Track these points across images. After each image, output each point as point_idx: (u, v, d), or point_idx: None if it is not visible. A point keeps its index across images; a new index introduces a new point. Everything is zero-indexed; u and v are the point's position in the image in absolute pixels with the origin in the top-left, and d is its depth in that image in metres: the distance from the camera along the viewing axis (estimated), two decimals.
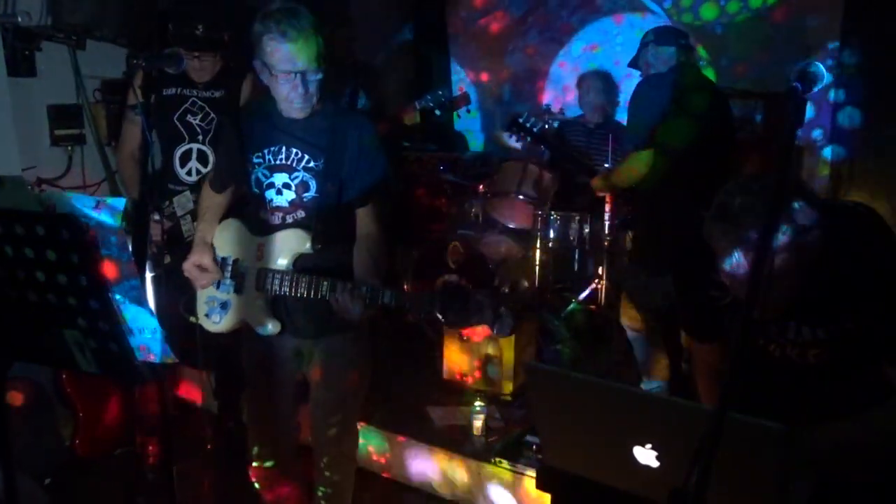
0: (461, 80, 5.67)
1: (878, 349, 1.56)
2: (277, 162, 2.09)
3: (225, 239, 2.23)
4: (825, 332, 1.60)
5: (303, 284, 2.04)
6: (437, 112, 3.67)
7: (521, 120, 3.70)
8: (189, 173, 2.79)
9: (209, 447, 2.81)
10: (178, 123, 2.74)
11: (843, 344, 1.59)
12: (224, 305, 2.21)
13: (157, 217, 2.65)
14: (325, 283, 2.00)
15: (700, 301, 1.73)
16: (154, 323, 1.35)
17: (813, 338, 1.61)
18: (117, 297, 1.31)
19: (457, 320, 1.91)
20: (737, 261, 1.45)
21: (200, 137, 2.78)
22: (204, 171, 2.82)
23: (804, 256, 1.45)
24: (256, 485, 2.41)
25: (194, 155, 2.79)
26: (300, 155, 2.07)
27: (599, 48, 5.38)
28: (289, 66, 1.93)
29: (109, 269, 1.30)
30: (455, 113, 4.02)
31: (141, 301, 1.34)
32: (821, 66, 1.25)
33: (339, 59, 4.18)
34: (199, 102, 2.76)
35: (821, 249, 1.47)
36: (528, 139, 3.78)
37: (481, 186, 4.21)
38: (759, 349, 1.71)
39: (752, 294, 1.11)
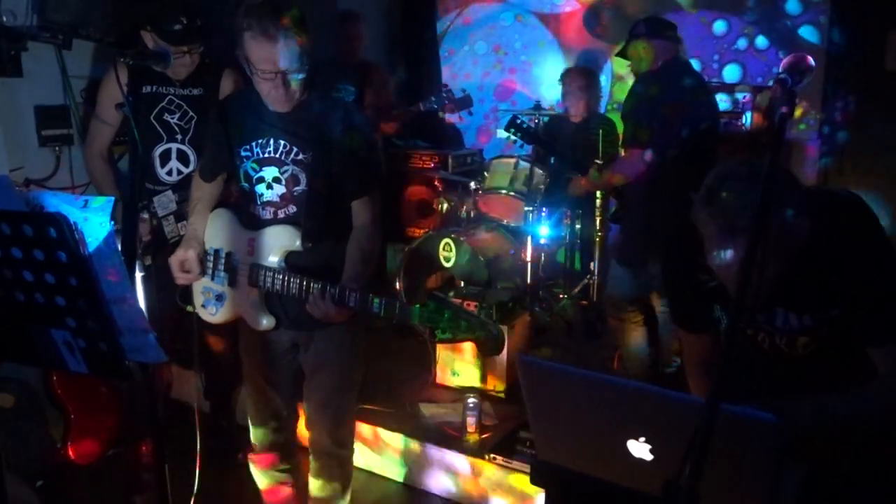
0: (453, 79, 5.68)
1: (863, 335, 1.57)
2: (266, 155, 2.07)
3: (216, 230, 2.22)
4: (812, 318, 1.60)
5: (293, 285, 2.03)
6: (441, 114, 3.69)
7: (518, 121, 3.77)
8: (170, 173, 2.76)
9: (201, 446, 2.80)
10: (154, 122, 2.69)
11: (829, 331, 1.60)
12: (219, 298, 2.21)
13: (144, 216, 2.62)
14: (315, 285, 1.99)
15: (689, 290, 1.74)
16: (144, 322, 1.34)
17: (800, 325, 1.62)
18: (108, 296, 1.30)
19: (444, 337, 1.89)
20: (724, 245, 1.45)
21: (179, 137, 2.74)
22: (186, 171, 2.78)
23: (791, 243, 1.46)
24: (255, 476, 2.42)
25: (174, 154, 2.75)
26: (288, 147, 2.05)
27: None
28: (269, 65, 1.89)
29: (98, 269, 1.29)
30: (458, 115, 4.03)
31: (131, 300, 1.33)
32: (810, 59, 1.25)
33: (345, 50, 4.21)
34: (177, 101, 2.72)
35: (807, 236, 1.48)
36: (525, 138, 3.83)
37: (472, 183, 4.21)
38: (748, 340, 1.71)
39: (742, 283, 1.12)
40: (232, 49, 1.96)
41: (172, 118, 2.72)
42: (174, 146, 2.74)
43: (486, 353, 1.90)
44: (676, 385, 2.58)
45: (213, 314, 2.23)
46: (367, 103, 4.16)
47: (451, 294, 3.53)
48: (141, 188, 2.70)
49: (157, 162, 2.74)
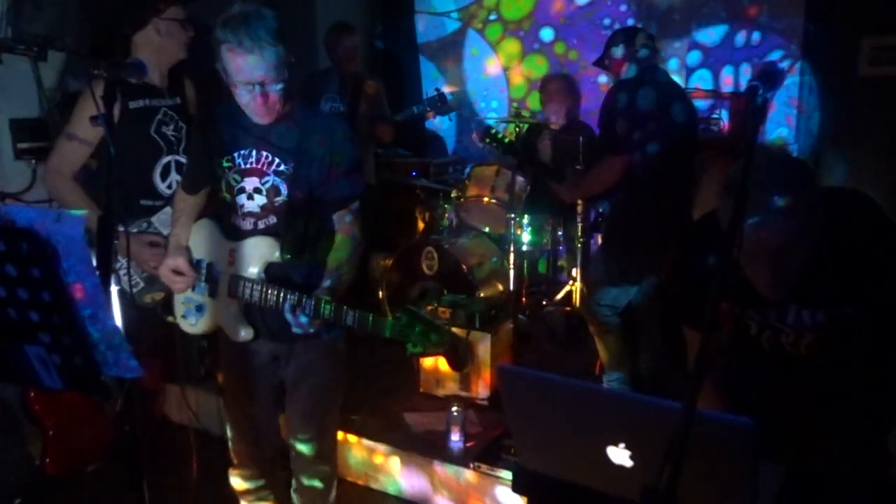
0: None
1: (873, 338, 1.58)
2: (248, 166, 2.06)
3: (199, 241, 2.21)
4: (826, 316, 1.61)
5: (271, 296, 2.02)
6: (436, 117, 3.71)
7: (492, 131, 3.77)
8: (170, 186, 2.73)
9: (188, 460, 2.77)
10: (156, 136, 2.66)
11: (840, 330, 1.60)
12: (199, 308, 2.20)
13: (147, 238, 2.55)
14: (291, 297, 1.99)
15: (701, 287, 1.73)
16: (120, 337, 1.32)
17: (813, 322, 1.62)
18: (83, 311, 1.29)
19: (415, 351, 1.92)
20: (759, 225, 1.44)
21: (176, 148, 2.73)
22: None
23: (808, 236, 1.46)
24: (236, 491, 2.39)
25: (174, 167, 2.72)
26: (270, 158, 2.05)
27: None
28: (246, 77, 1.90)
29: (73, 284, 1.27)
30: (448, 117, 4.07)
31: (106, 315, 1.31)
32: (782, 66, 1.27)
33: (339, 61, 4.21)
34: (170, 112, 2.70)
35: (823, 233, 1.48)
36: (500, 148, 3.83)
37: (454, 191, 4.22)
38: (749, 339, 1.71)
39: (722, 279, 1.13)
40: (194, 59, 1.94)
41: (169, 130, 2.70)
42: (173, 158, 2.71)
43: (455, 367, 1.92)
44: (655, 391, 2.58)
45: (194, 324, 2.23)
46: (362, 113, 4.16)
47: (435, 304, 3.52)
48: (132, 206, 2.62)
49: (159, 176, 2.71)
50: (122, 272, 2.54)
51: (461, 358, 1.91)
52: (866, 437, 1.67)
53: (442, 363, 3.37)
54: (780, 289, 1.56)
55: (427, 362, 3.41)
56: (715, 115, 4.30)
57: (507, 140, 3.71)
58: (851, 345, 1.63)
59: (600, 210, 3.96)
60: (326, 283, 2.05)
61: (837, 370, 1.67)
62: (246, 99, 1.95)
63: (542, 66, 5.43)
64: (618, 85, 3.10)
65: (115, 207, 2.43)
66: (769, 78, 1.25)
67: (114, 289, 2.19)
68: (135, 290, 2.55)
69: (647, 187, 2.98)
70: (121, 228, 2.47)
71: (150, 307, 2.56)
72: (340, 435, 2.99)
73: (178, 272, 2.16)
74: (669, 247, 3.01)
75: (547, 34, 5.39)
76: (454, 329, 3.19)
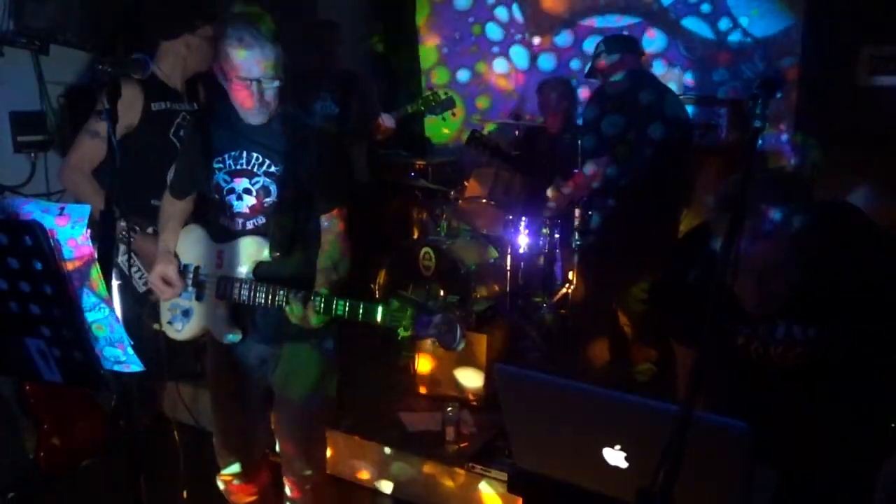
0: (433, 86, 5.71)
1: (864, 352, 1.58)
2: (238, 167, 2.07)
3: (187, 246, 2.21)
4: (816, 331, 1.61)
5: (260, 293, 2.02)
6: (427, 115, 3.73)
7: (477, 135, 3.80)
8: None
9: (182, 458, 2.78)
10: (173, 139, 2.66)
11: (831, 344, 1.60)
12: (186, 313, 2.18)
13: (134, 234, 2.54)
14: (281, 291, 2.00)
15: (686, 302, 1.74)
16: (121, 332, 1.33)
17: (804, 337, 1.62)
18: (83, 305, 1.29)
19: (406, 335, 1.92)
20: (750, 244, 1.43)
21: None
22: None
23: (800, 254, 1.46)
24: (225, 496, 2.38)
25: None
26: (261, 159, 2.06)
27: None
28: (244, 73, 1.92)
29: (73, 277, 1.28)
30: (441, 116, 4.01)
31: (108, 309, 1.32)
32: (783, 75, 1.28)
33: (323, 60, 4.18)
34: (188, 117, 2.69)
35: (815, 248, 1.47)
36: (486, 152, 3.85)
37: (452, 192, 4.22)
38: (738, 349, 1.72)
39: (717, 290, 1.13)
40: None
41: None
42: None
43: (445, 346, 1.92)
44: (650, 393, 2.60)
45: (180, 330, 2.20)
46: (354, 112, 4.14)
47: (431, 303, 3.52)
48: (142, 206, 2.59)
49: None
50: (134, 271, 2.54)
51: (451, 334, 1.90)
52: (857, 441, 1.68)
53: (440, 362, 3.38)
54: (766, 306, 1.56)
55: (423, 364, 3.43)
56: (714, 122, 4.30)
57: (490, 144, 3.75)
58: (842, 355, 1.63)
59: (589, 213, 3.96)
60: (321, 282, 2.06)
61: (826, 378, 1.68)
62: (243, 96, 1.96)
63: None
64: (598, 88, 3.18)
65: (125, 204, 2.46)
66: (771, 87, 1.26)
67: (115, 283, 2.18)
68: (146, 288, 2.54)
69: (642, 189, 3.00)
70: (136, 229, 2.48)
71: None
72: (336, 434, 3.00)
73: (166, 281, 2.15)
74: (651, 255, 3.05)
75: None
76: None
